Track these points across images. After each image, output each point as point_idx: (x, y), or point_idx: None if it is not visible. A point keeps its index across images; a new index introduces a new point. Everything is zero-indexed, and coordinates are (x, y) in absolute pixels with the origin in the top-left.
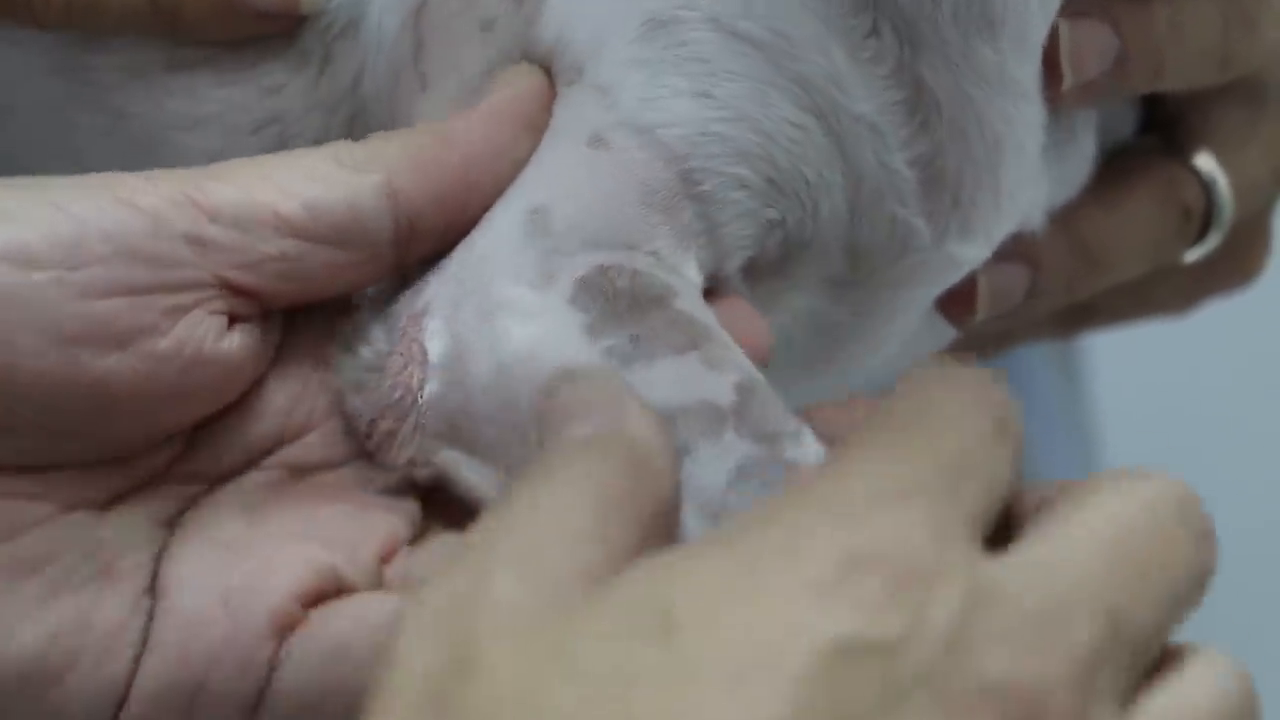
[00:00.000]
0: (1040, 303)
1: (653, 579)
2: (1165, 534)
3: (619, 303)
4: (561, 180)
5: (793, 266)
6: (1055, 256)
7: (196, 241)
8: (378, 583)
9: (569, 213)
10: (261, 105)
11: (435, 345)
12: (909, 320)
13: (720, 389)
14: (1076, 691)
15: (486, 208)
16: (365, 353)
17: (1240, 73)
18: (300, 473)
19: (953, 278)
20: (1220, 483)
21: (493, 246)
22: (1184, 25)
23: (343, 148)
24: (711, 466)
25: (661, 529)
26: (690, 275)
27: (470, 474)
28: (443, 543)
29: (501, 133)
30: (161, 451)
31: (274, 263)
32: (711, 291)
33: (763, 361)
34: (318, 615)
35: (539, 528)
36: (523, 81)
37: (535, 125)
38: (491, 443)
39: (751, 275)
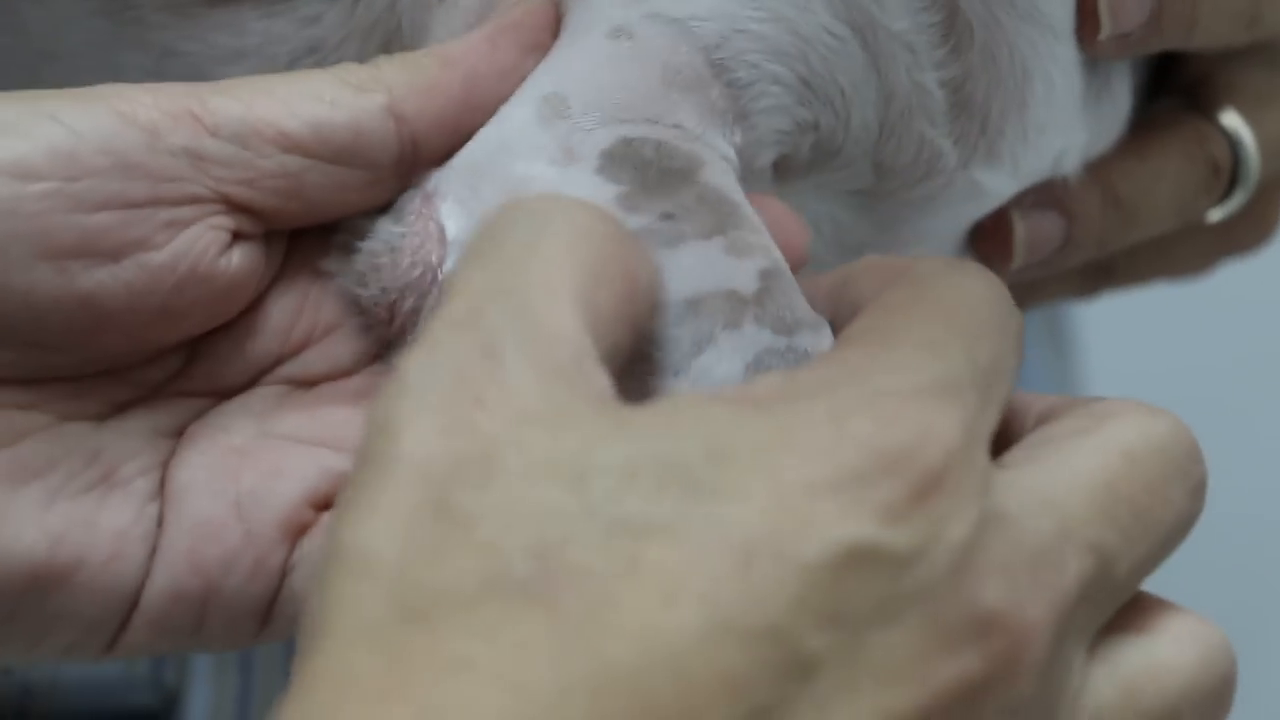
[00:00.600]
0: (1072, 254)
1: (686, 426)
2: (1166, 480)
3: (648, 173)
4: (578, 69)
5: (820, 172)
6: (1088, 207)
7: (195, 155)
8: None
9: (586, 96)
10: (299, 36)
11: (452, 224)
12: (933, 252)
13: (744, 276)
14: (1055, 633)
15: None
16: (373, 244)
17: (1266, 33)
18: (306, 385)
19: (976, 209)
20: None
21: (507, 133)
22: None
23: (346, 69)
24: (730, 358)
25: (648, 301)
26: (721, 148)
27: None
28: None
29: (504, 54)
30: (159, 366)
31: (275, 179)
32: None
33: (800, 261)
34: (329, 518)
35: (536, 296)
36: (530, 2)
37: (540, 46)
38: None
39: (780, 175)
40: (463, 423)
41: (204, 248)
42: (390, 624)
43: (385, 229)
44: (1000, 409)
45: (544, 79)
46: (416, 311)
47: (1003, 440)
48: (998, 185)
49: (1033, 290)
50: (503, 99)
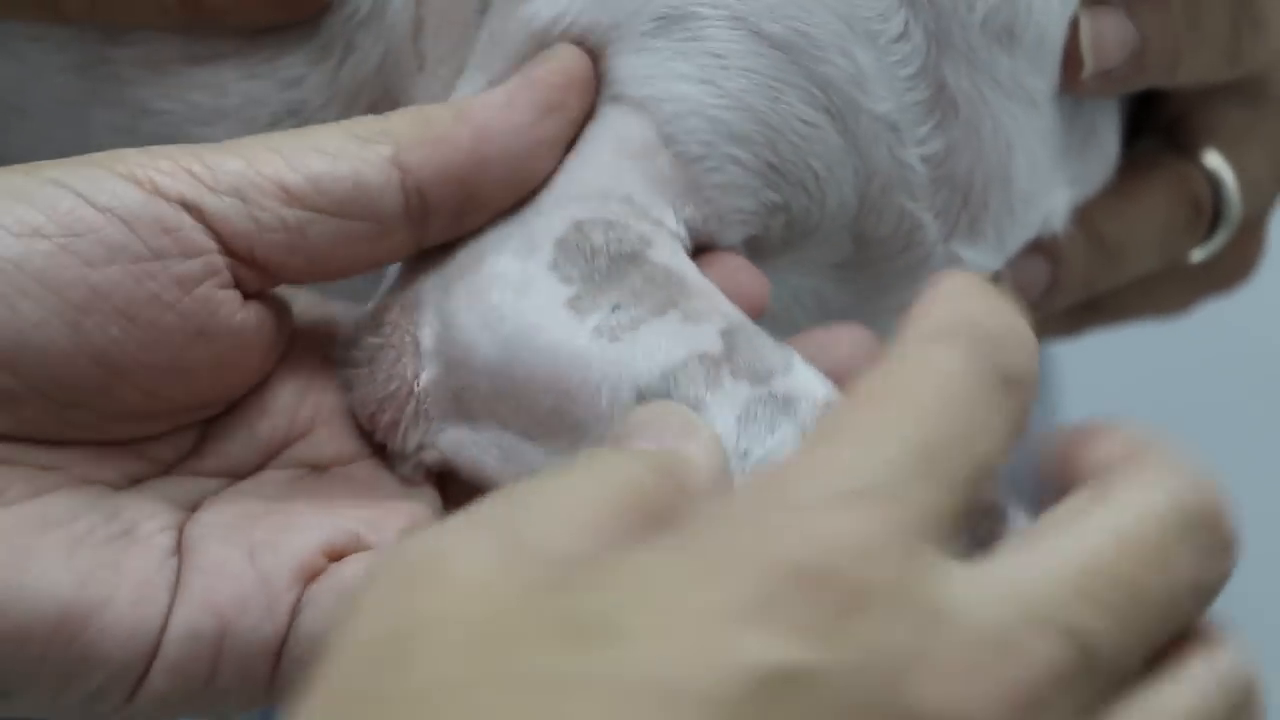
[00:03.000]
0: (1058, 298)
1: (605, 579)
2: (1165, 548)
3: (597, 262)
4: None
5: (798, 250)
6: (1073, 252)
7: (194, 208)
8: None
9: (552, 184)
10: (280, 98)
11: (427, 334)
12: None
13: (707, 339)
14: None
15: (500, 183)
16: (355, 353)
17: (1247, 71)
18: (317, 469)
19: None
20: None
21: (485, 230)
22: (1200, 20)
23: (356, 122)
24: (722, 415)
25: None
26: (667, 223)
27: (475, 454)
28: None
29: (520, 112)
30: (172, 444)
31: (275, 233)
32: (709, 249)
33: (758, 313)
34: (338, 565)
35: (537, 507)
36: (557, 62)
37: (558, 106)
38: (501, 417)
39: (756, 254)
40: None
41: (215, 306)
42: None
43: (365, 338)
44: (970, 486)
45: None
46: (395, 424)
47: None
48: (982, 260)
49: None
50: (513, 154)
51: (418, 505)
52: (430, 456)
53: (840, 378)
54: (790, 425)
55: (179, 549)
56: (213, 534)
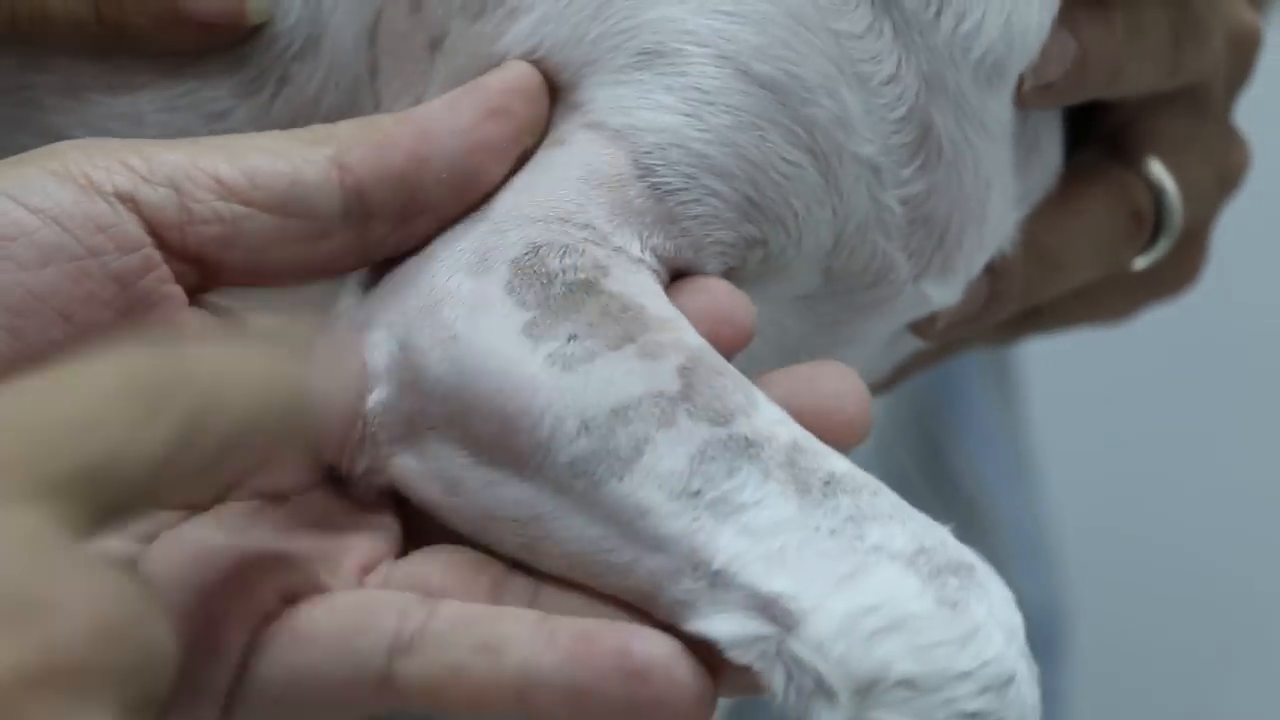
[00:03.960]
0: (998, 309)
1: None
2: None
3: (553, 289)
4: (513, 178)
5: (769, 283)
6: (1012, 263)
7: (129, 199)
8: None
9: (509, 198)
10: (206, 130)
11: (377, 354)
12: (865, 349)
13: (664, 377)
14: None
15: (442, 185)
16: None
17: (1188, 80)
18: (277, 499)
19: (919, 314)
20: (1152, 492)
21: (438, 242)
22: (1141, 31)
23: (304, 129)
24: (672, 453)
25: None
26: (631, 250)
27: (420, 484)
28: (426, 553)
29: (462, 115)
30: None
31: (209, 224)
32: (688, 273)
33: (745, 339)
34: (292, 609)
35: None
36: (505, 71)
37: (502, 110)
38: (451, 442)
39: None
40: None
41: (154, 301)
42: None
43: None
44: (126, 498)
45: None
46: (342, 446)
47: None
48: (949, 295)
49: (958, 341)
50: (453, 155)
51: (377, 537)
52: (379, 480)
53: (822, 417)
54: (753, 468)
55: None
56: (164, 573)
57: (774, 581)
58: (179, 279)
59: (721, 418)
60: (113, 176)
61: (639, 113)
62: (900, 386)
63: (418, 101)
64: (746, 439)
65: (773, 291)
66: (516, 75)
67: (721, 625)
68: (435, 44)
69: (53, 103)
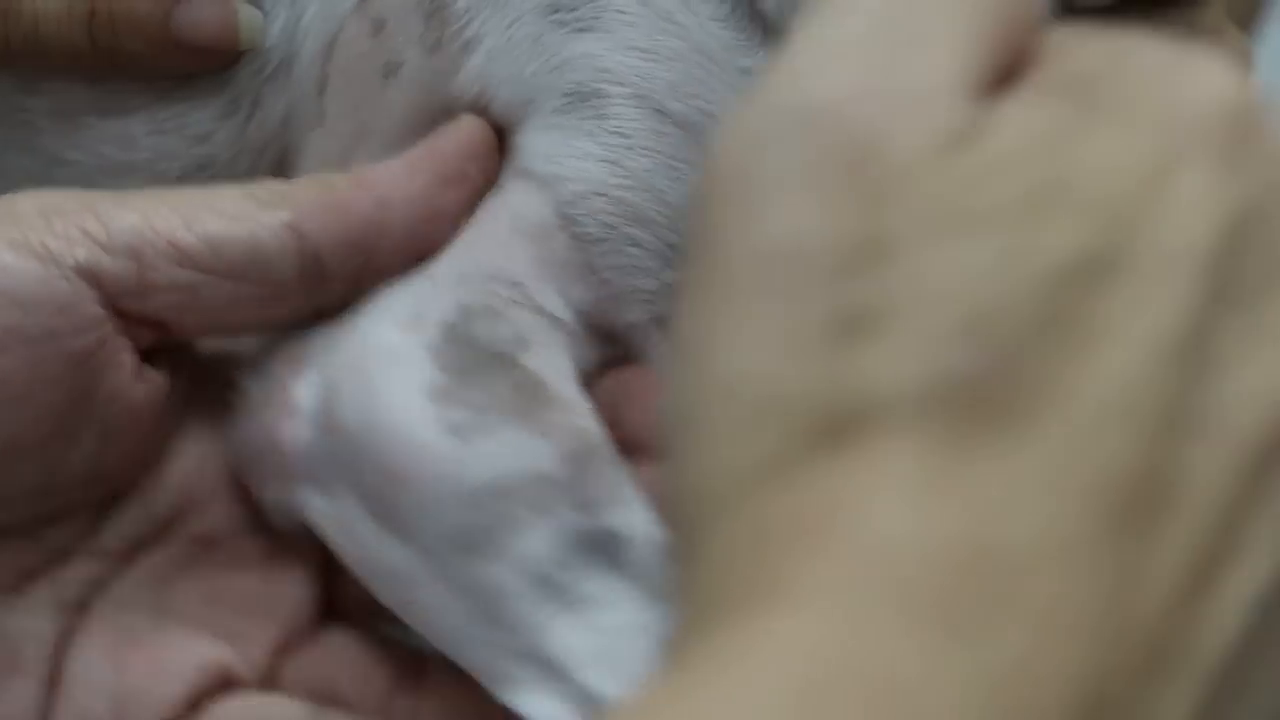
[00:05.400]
0: None
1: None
2: None
3: (473, 356)
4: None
5: None
6: None
7: (89, 273)
8: (271, 679)
9: (450, 252)
10: (190, 153)
11: (305, 393)
12: None
13: (551, 461)
14: None
15: (398, 251)
16: (237, 395)
17: None
18: (208, 545)
19: None
20: None
21: (383, 292)
22: None
23: (260, 186)
24: (540, 538)
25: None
26: (554, 310)
27: (327, 526)
28: (339, 643)
29: (420, 181)
30: (68, 525)
31: (168, 293)
32: (627, 358)
33: None
34: (215, 704)
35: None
36: (459, 133)
37: (460, 176)
38: (357, 492)
39: (666, 330)
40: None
41: (104, 376)
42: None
43: (245, 384)
44: None
45: None
46: (263, 480)
47: None
48: None
49: None
50: (412, 223)
51: (302, 590)
52: (296, 518)
53: None
54: (611, 566)
55: (52, 678)
56: (84, 672)
57: (605, 684)
58: (134, 341)
59: (595, 510)
60: (73, 249)
61: (564, 161)
62: None
63: (363, 125)
64: (614, 535)
65: None
66: (469, 136)
67: (546, 710)
68: (390, 70)
69: (46, 125)
